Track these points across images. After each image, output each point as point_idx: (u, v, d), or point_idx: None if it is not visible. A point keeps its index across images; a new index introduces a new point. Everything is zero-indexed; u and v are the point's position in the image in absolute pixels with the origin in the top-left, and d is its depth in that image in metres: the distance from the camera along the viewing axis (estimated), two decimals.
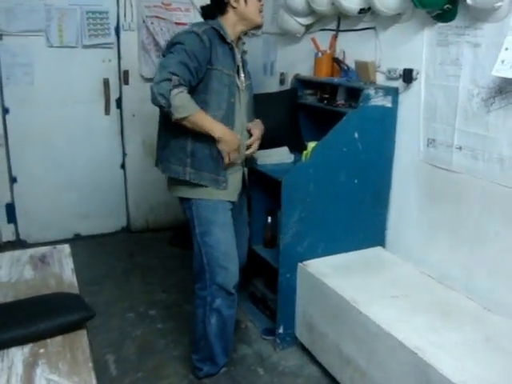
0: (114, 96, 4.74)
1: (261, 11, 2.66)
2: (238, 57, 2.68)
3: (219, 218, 2.66)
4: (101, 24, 4.48)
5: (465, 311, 2.59)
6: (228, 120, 2.58)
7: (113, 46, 4.60)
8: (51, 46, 4.36)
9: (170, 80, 2.34)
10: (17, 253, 2.29)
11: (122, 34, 4.58)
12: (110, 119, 4.78)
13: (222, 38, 2.55)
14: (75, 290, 1.96)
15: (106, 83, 4.67)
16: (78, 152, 4.70)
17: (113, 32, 4.56)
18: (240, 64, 2.69)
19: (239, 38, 2.72)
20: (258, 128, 2.82)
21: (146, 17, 4.53)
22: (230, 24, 2.61)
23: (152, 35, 4.55)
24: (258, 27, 2.78)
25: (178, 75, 2.36)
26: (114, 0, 4.51)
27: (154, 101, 2.38)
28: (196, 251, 2.72)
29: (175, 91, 2.34)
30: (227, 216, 2.70)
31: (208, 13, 2.67)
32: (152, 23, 4.55)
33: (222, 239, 2.66)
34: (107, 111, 4.74)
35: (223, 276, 2.66)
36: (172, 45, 2.48)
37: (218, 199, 2.64)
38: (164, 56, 2.52)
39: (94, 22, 4.45)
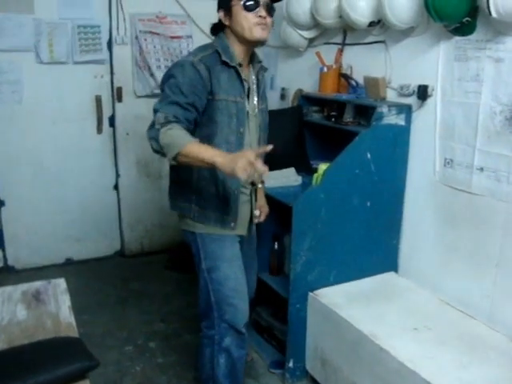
0: (106, 114, 4.55)
1: (259, 24, 2.28)
2: (252, 77, 2.46)
3: (227, 252, 2.47)
4: (92, 39, 4.31)
5: (491, 344, 2.45)
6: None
7: (105, 61, 4.43)
8: (41, 63, 4.18)
9: (158, 123, 2.17)
10: (8, 289, 2.14)
11: (115, 49, 4.41)
12: (103, 138, 4.60)
13: (226, 62, 2.30)
14: (74, 333, 1.82)
15: (99, 100, 4.49)
16: (69, 173, 4.51)
17: (105, 47, 4.39)
18: (253, 86, 2.46)
19: (253, 56, 2.47)
20: (264, 201, 2.77)
21: (140, 32, 4.37)
22: (233, 43, 2.36)
23: (145, 52, 4.39)
24: (258, 43, 2.37)
25: (168, 116, 2.16)
26: (106, 13, 4.33)
27: (151, 148, 2.18)
28: (202, 287, 2.52)
29: (163, 130, 2.12)
30: (235, 249, 2.50)
31: (214, 30, 2.45)
32: (145, 40, 4.39)
33: (230, 275, 2.46)
34: (99, 130, 4.55)
35: (232, 314, 2.48)
36: (167, 78, 2.28)
37: (224, 234, 2.45)
38: (162, 90, 2.31)
39: (85, 36, 4.27)
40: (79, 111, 4.45)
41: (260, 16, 2.27)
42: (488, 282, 2.63)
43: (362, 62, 3.28)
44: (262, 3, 2.27)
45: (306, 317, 2.93)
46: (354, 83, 3.22)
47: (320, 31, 3.57)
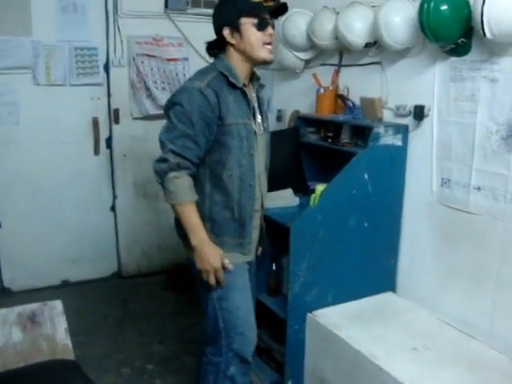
0: (103, 135, 4.56)
1: (267, 43, 2.29)
2: (253, 96, 2.44)
3: (238, 281, 2.42)
4: (90, 61, 4.34)
5: (491, 364, 2.43)
6: (249, 176, 2.34)
7: (102, 83, 4.45)
8: (38, 84, 4.20)
9: (167, 161, 2.20)
10: (3, 311, 2.12)
11: (112, 71, 4.44)
12: (100, 160, 4.60)
13: (232, 84, 2.27)
14: (70, 355, 1.80)
15: (96, 122, 4.50)
16: (65, 194, 4.51)
17: (102, 69, 4.41)
18: (256, 105, 2.44)
19: (252, 74, 2.44)
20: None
21: (136, 55, 4.40)
22: (236, 62, 2.31)
23: (142, 74, 4.41)
24: (266, 63, 2.37)
25: (178, 154, 2.19)
26: (103, 36, 4.37)
27: (155, 177, 2.28)
28: (211, 315, 2.45)
29: (171, 175, 2.19)
30: (245, 278, 2.47)
31: (212, 51, 2.40)
32: (142, 62, 4.42)
33: (240, 304, 2.43)
34: (96, 151, 4.56)
35: (241, 343, 2.45)
36: (172, 105, 2.25)
37: (236, 262, 2.40)
38: (168, 116, 2.27)
39: (82, 58, 4.30)
40: (76, 133, 4.46)
41: (269, 34, 2.28)
42: (487, 301, 2.61)
43: (359, 83, 3.28)
44: (270, 22, 2.29)
45: (305, 338, 2.90)
46: (350, 104, 3.23)
47: (316, 53, 3.58)
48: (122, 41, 4.39)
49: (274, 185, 3.06)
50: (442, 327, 2.76)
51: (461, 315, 2.75)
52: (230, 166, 2.28)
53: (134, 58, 4.41)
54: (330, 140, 3.20)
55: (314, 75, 3.48)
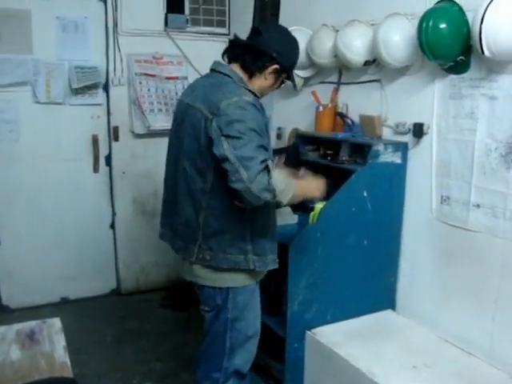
0: (103, 153, 4.56)
1: (271, 90, 2.50)
2: None
3: (254, 300, 2.46)
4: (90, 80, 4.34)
5: (491, 382, 2.45)
6: None
7: (102, 101, 4.45)
8: (38, 102, 4.21)
9: (263, 169, 2.07)
10: (1, 329, 2.13)
11: (112, 90, 4.46)
12: (99, 177, 4.60)
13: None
14: (69, 373, 1.79)
15: (95, 140, 4.50)
16: (65, 211, 4.50)
17: (102, 87, 4.43)
18: None
19: None
20: None
21: (135, 74, 4.41)
22: (254, 86, 2.37)
23: (142, 91, 4.44)
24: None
25: (266, 159, 2.10)
26: (103, 55, 4.39)
27: (257, 200, 2.08)
28: (218, 333, 2.43)
29: (273, 178, 2.08)
30: (258, 296, 2.50)
31: (234, 55, 2.39)
32: (140, 83, 4.43)
33: (251, 323, 2.45)
34: (96, 169, 4.56)
35: (244, 359, 2.47)
36: (231, 123, 2.12)
37: (255, 282, 2.44)
38: (230, 137, 2.10)
39: (82, 77, 4.30)
40: (76, 150, 4.46)
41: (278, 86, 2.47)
42: (487, 319, 2.60)
43: (358, 101, 3.29)
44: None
45: (304, 356, 2.89)
46: (349, 122, 3.23)
47: (315, 70, 3.59)
48: (121, 59, 4.41)
49: None
50: (441, 345, 2.75)
51: (461, 333, 2.74)
52: None
53: (136, 73, 4.43)
54: (329, 157, 3.19)
55: (314, 93, 3.49)
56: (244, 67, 2.35)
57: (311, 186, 2.45)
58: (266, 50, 2.32)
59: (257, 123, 2.15)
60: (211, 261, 2.32)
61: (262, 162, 2.07)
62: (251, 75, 2.35)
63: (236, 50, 2.39)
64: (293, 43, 2.48)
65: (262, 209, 2.22)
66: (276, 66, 2.34)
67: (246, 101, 2.18)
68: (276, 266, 2.41)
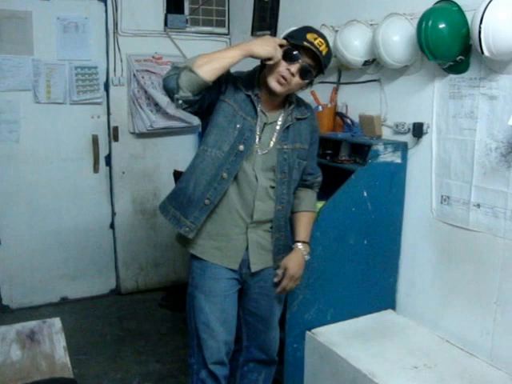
0: (102, 153, 4.56)
1: (281, 75, 2.18)
2: (279, 120, 2.36)
3: (205, 284, 2.38)
4: (90, 80, 4.35)
5: (492, 382, 2.42)
6: (227, 169, 2.28)
7: (102, 101, 4.46)
8: (38, 102, 4.21)
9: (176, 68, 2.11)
10: (2, 329, 2.12)
11: (112, 90, 4.46)
12: (99, 177, 4.60)
13: (248, 87, 2.28)
14: (69, 373, 1.79)
15: (95, 140, 4.50)
16: (65, 211, 4.50)
17: (102, 87, 4.43)
18: (275, 125, 2.36)
19: (290, 103, 2.38)
20: (293, 263, 2.43)
21: (137, 71, 4.42)
22: (263, 81, 2.28)
23: (144, 88, 4.43)
24: (273, 93, 2.25)
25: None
26: (103, 55, 4.39)
27: (168, 88, 2.12)
28: (187, 313, 2.47)
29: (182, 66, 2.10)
30: (218, 285, 2.39)
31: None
32: (143, 77, 4.44)
33: (203, 307, 2.38)
34: (96, 169, 4.56)
35: (206, 347, 2.40)
36: None
37: (207, 260, 2.37)
38: None
39: (82, 77, 4.32)
40: (76, 150, 4.46)
41: (289, 70, 2.18)
42: (488, 319, 2.60)
43: (357, 101, 3.29)
44: (300, 62, 2.18)
45: (304, 356, 2.89)
46: (349, 121, 3.23)
47: None
48: (121, 59, 4.42)
49: None
50: (442, 345, 2.74)
51: (462, 333, 2.74)
52: (210, 143, 2.29)
53: (134, 75, 4.43)
54: (328, 157, 3.20)
55: (313, 93, 3.47)
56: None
57: (249, 42, 2.20)
58: None
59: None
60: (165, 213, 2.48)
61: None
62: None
63: None
64: None
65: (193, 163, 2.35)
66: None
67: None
68: (178, 229, 2.36)
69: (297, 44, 2.18)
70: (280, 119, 2.37)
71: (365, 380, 2.44)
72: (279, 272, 2.42)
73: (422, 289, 2.98)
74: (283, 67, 2.19)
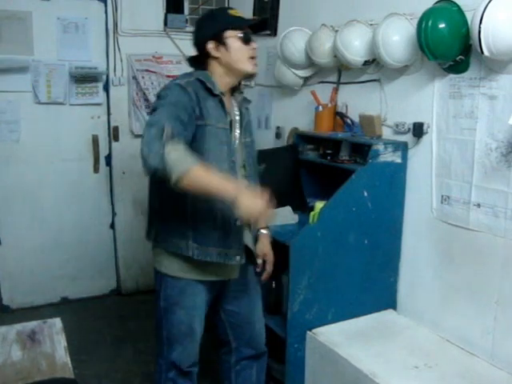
0: (103, 153, 4.57)
1: (252, 57, 2.29)
2: (235, 110, 2.39)
3: (185, 299, 2.36)
4: (90, 80, 4.36)
5: (493, 382, 2.42)
6: None
7: (102, 101, 4.46)
8: (39, 103, 4.22)
9: (161, 135, 1.96)
10: (2, 329, 2.11)
11: (112, 90, 4.46)
12: (99, 177, 4.60)
13: (209, 90, 2.21)
14: (70, 373, 1.79)
15: (95, 140, 4.50)
16: (65, 211, 4.50)
17: (102, 87, 4.44)
18: (236, 118, 2.39)
19: (235, 89, 2.42)
20: (268, 249, 2.54)
21: (137, 70, 4.42)
22: (217, 75, 2.27)
23: (142, 91, 4.43)
24: (250, 76, 2.38)
25: (170, 127, 2.01)
26: (103, 55, 4.40)
27: (146, 164, 1.94)
28: (157, 320, 2.47)
29: (170, 146, 1.95)
30: (197, 300, 2.39)
31: (194, 64, 2.38)
32: (143, 77, 4.44)
33: (184, 320, 2.38)
34: (96, 169, 4.56)
35: (179, 353, 2.42)
36: (157, 99, 2.21)
37: (189, 279, 2.34)
38: (151, 113, 2.18)
39: (82, 77, 4.32)
40: (76, 151, 4.47)
41: (254, 48, 2.30)
42: (489, 319, 2.60)
43: (357, 101, 3.29)
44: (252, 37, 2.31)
45: (305, 356, 2.89)
46: (349, 121, 3.23)
47: (315, 70, 3.59)
48: (121, 59, 4.43)
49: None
50: (443, 345, 2.74)
51: (462, 333, 2.74)
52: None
53: (134, 77, 4.43)
54: (329, 157, 3.20)
55: (313, 93, 3.48)
56: (199, 65, 2.33)
57: (239, 188, 2.00)
58: (196, 41, 2.33)
59: (177, 98, 2.12)
60: (163, 247, 2.35)
61: (171, 130, 1.99)
62: (206, 65, 2.30)
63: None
64: (203, 16, 2.45)
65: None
66: (211, 43, 2.25)
67: (176, 82, 2.18)
68: (221, 261, 2.29)
69: (242, 27, 2.29)
70: (236, 112, 2.40)
71: (366, 380, 2.44)
72: (259, 261, 2.49)
73: (423, 288, 2.98)
74: (250, 50, 2.29)
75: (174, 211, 2.27)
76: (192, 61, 2.39)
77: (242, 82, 2.49)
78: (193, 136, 2.15)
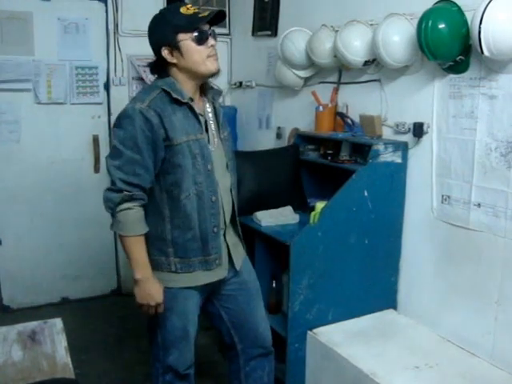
0: (103, 153, 4.53)
1: (210, 56, 2.19)
2: (207, 109, 2.34)
3: (178, 305, 2.35)
4: (90, 80, 4.37)
5: (493, 382, 2.42)
6: (209, 192, 2.24)
7: (102, 101, 4.47)
8: (39, 103, 4.22)
9: (120, 192, 2.14)
10: (3, 329, 2.11)
11: (112, 90, 4.47)
12: (100, 177, 4.57)
13: (176, 100, 2.17)
14: (70, 374, 1.79)
15: (96, 140, 4.51)
16: (66, 211, 4.50)
17: (102, 87, 4.44)
18: (210, 116, 2.34)
19: (203, 86, 2.35)
20: None
21: (138, 66, 4.42)
22: (181, 81, 2.21)
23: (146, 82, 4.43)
24: (213, 75, 2.26)
25: (129, 183, 2.12)
26: (103, 55, 4.40)
27: (104, 204, 2.23)
28: (151, 327, 2.44)
29: (124, 206, 2.15)
30: (189, 304, 2.38)
31: (156, 72, 2.30)
32: (145, 71, 4.42)
33: (179, 326, 2.38)
34: (96, 169, 4.56)
35: (176, 358, 2.41)
36: (115, 131, 2.16)
37: (178, 287, 2.32)
38: (111, 151, 2.21)
39: (83, 77, 4.33)
40: (76, 151, 4.47)
41: (211, 46, 2.19)
42: (489, 319, 2.60)
43: (358, 101, 3.29)
44: (209, 32, 2.19)
45: (305, 356, 2.89)
46: (349, 121, 3.23)
47: (315, 70, 3.59)
48: (122, 59, 4.43)
49: (273, 202, 3.09)
50: (443, 345, 2.74)
51: (463, 333, 2.73)
52: (187, 186, 2.19)
53: (134, 77, 4.45)
54: (329, 157, 3.19)
55: (313, 93, 3.48)
56: (161, 71, 2.27)
57: (145, 280, 2.22)
58: (151, 47, 2.25)
59: (139, 132, 2.11)
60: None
61: (124, 182, 2.13)
62: (167, 70, 2.24)
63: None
64: (153, 19, 2.30)
65: (182, 213, 2.23)
66: (165, 49, 2.18)
67: (135, 109, 2.12)
68: (202, 268, 2.32)
69: (195, 27, 2.16)
70: (209, 110, 2.36)
71: (366, 380, 2.44)
72: None
73: (423, 288, 2.98)
74: (207, 49, 2.19)
75: (153, 230, 2.26)
76: (153, 68, 2.31)
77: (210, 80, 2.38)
78: (164, 156, 2.17)
